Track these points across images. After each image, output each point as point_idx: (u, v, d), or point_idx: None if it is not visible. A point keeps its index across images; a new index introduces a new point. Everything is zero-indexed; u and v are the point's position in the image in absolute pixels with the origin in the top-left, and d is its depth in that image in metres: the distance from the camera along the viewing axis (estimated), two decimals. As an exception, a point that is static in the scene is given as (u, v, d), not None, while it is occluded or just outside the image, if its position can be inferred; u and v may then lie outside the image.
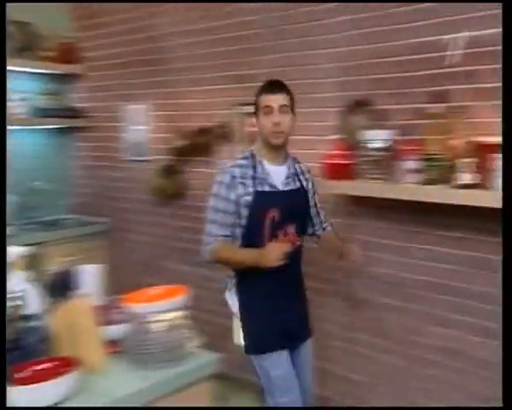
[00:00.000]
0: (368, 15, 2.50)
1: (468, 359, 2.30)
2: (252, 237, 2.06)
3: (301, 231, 2.15)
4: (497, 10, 2.07)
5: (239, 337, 2.17)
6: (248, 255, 2.02)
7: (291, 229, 2.08)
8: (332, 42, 2.65)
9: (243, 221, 2.05)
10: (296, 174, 2.16)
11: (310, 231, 2.27)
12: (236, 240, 2.09)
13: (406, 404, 2.52)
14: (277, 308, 2.10)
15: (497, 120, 2.11)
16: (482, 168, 2.02)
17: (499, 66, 2.08)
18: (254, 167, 2.07)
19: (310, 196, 2.21)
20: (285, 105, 2.04)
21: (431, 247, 2.39)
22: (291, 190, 2.12)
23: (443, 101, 2.20)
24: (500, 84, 2.07)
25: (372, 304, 2.62)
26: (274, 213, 2.03)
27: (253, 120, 2.13)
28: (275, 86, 2.08)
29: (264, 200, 2.04)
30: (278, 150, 2.10)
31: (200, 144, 3.29)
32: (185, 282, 1.84)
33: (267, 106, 2.03)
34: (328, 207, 2.69)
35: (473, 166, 2.03)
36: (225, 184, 2.05)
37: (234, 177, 2.05)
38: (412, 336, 2.47)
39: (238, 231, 2.08)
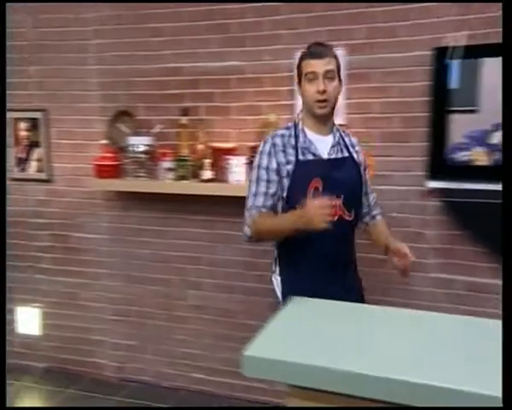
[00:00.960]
0: (127, 41, 2.97)
1: (214, 310, 3.00)
2: (295, 208, 1.83)
3: (351, 205, 1.90)
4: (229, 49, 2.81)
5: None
6: (287, 220, 1.80)
7: (338, 201, 1.85)
8: (98, 60, 3.04)
9: (285, 193, 1.87)
10: (345, 145, 1.96)
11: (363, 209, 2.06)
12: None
13: (170, 354, 3.10)
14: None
15: (227, 130, 2.85)
16: (218, 166, 2.72)
17: (230, 90, 2.82)
18: (297, 137, 1.89)
19: (361, 168, 1.99)
20: (331, 70, 1.83)
21: (185, 229, 3.01)
22: (337, 159, 1.91)
23: (188, 114, 2.82)
24: (231, 105, 2.83)
25: (143, 280, 3.13)
26: (317, 184, 1.84)
27: (296, 87, 1.95)
28: (319, 49, 1.86)
29: (307, 169, 1.85)
30: (323, 120, 1.90)
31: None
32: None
33: (311, 72, 1.83)
34: (101, 203, 3.13)
35: (211, 165, 2.71)
36: (266, 152, 1.89)
37: (275, 145, 1.88)
38: (174, 301, 3.08)
39: (279, 205, 1.90)
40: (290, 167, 1.86)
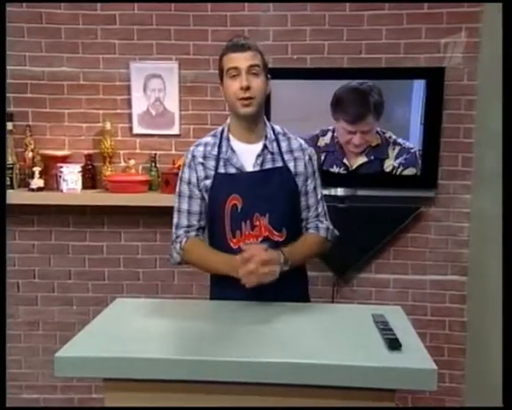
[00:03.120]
0: None
1: (49, 325, 2.87)
2: (214, 229, 1.71)
3: (282, 224, 1.67)
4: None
5: None
6: (222, 264, 1.61)
7: (262, 220, 1.65)
8: None
9: (207, 209, 1.72)
10: (280, 153, 1.71)
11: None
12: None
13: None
14: None
15: (60, 137, 2.77)
16: (48, 174, 2.63)
17: (63, 96, 2.74)
18: (220, 145, 1.71)
19: (299, 179, 1.72)
20: (255, 65, 1.62)
21: (16, 241, 2.82)
22: (264, 171, 1.68)
23: (13, 119, 2.68)
24: (64, 111, 2.76)
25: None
26: (235, 201, 1.65)
27: (220, 87, 1.71)
28: (241, 42, 1.65)
29: (224, 184, 1.67)
30: (250, 124, 1.68)
31: None
32: None
33: (232, 67, 1.62)
34: None
35: (41, 173, 2.61)
36: (187, 165, 1.74)
37: (194, 157, 1.72)
38: (8, 319, 2.86)
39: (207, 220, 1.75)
40: (209, 182, 1.69)
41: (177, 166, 2.73)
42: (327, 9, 2.65)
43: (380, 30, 2.65)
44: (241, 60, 1.62)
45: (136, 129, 2.78)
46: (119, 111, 2.78)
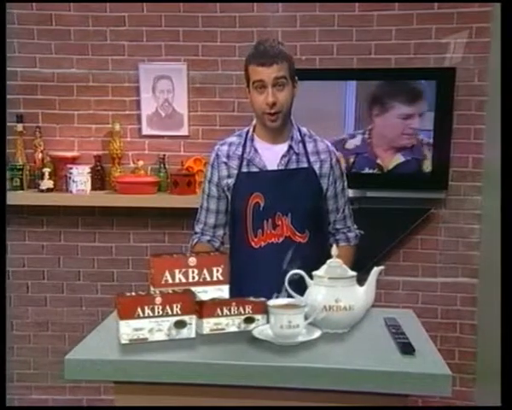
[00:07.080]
0: None
1: (58, 326, 2.87)
2: (235, 228, 1.72)
3: (305, 225, 1.67)
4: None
5: None
6: None
7: (284, 220, 1.65)
8: None
9: (230, 208, 1.73)
10: (305, 154, 1.70)
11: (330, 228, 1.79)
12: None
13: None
14: None
15: (70, 138, 2.77)
16: (57, 176, 2.64)
17: (72, 98, 2.75)
18: (244, 146, 1.71)
19: (324, 181, 1.72)
20: (281, 77, 1.59)
21: (25, 242, 2.83)
22: (287, 171, 1.68)
23: (23, 121, 2.69)
24: (74, 113, 2.76)
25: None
26: (258, 199, 1.65)
27: (246, 91, 1.69)
28: (267, 53, 1.59)
29: (247, 182, 1.67)
30: (276, 129, 1.69)
31: None
32: None
33: (258, 80, 1.60)
34: None
35: (50, 174, 2.61)
36: (210, 164, 1.76)
37: (217, 156, 1.74)
38: (12, 320, 2.87)
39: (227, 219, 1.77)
40: (231, 181, 1.70)
41: (185, 167, 2.73)
42: (336, 10, 2.64)
43: (389, 30, 2.63)
44: (267, 73, 1.59)
45: (145, 130, 2.78)
46: (127, 112, 2.78)
